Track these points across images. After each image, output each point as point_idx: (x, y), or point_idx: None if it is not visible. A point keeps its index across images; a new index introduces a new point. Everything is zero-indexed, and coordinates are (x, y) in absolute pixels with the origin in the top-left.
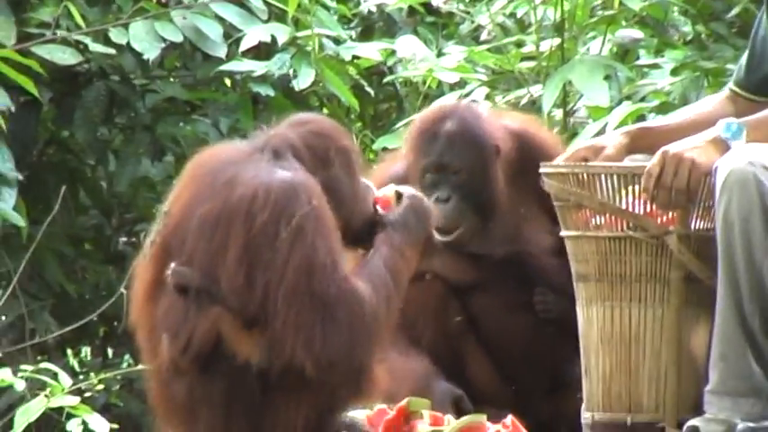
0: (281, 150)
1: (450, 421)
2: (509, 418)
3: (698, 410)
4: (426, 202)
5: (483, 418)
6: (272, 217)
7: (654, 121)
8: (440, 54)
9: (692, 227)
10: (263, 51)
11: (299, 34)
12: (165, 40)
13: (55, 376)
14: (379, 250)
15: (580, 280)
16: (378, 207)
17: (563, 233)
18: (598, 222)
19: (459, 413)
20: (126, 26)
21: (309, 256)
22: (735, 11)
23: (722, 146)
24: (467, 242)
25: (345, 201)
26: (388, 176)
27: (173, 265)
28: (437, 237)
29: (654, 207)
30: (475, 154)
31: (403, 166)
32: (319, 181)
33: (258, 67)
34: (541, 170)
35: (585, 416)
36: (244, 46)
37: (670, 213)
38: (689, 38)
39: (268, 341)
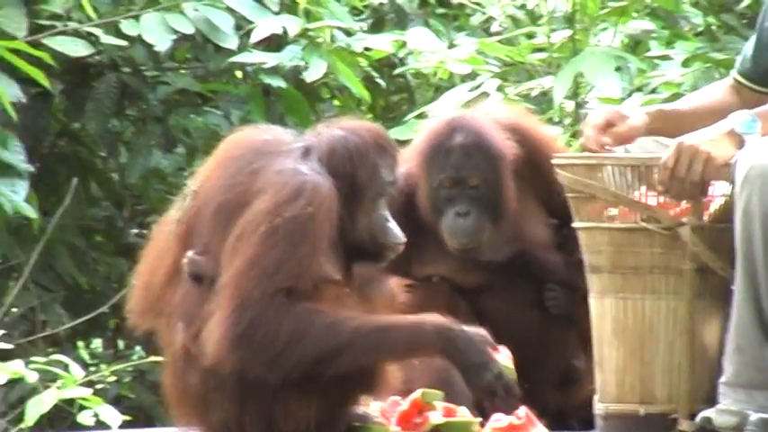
0: (311, 149)
1: (462, 413)
2: (522, 410)
3: (711, 402)
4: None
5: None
6: (264, 210)
7: (667, 105)
8: (451, 46)
9: (706, 219)
10: (275, 43)
11: (311, 26)
12: (176, 31)
13: (66, 368)
14: (379, 323)
15: (593, 271)
16: None
17: (575, 224)
18: (611, 214)
19: (480, 405)
20: (137, 18)
21: (260, 255)
22: (745, 2)
23: (737, 139)
24: (482, 251)
25: (349, 220)
26: None
27: (189, 253)
28: (453, 247)
29: (667, 198)
30: (491, 165)
31: (404, 177)
32: (338, 189)
33: (269, 59)
34: (554, 161)
35: (599, 407)
36: (255, 37)
37: (683, 204)
38: (700, 29)
39: None
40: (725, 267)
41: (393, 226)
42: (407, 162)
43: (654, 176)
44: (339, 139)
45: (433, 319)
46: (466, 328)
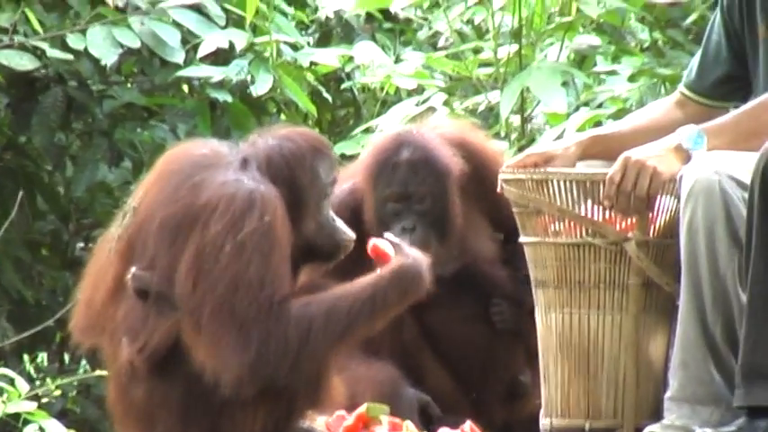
0: (249, 160)
1: (408, 428)
2: (467, 424)
3: (656, 417)
4: (424, 266)
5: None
6: (224, 229)
7: (605, 127)
8: (398, 60)
9: (651, 234)
10: (221, 57)
11: (257, 40)
12: (122, 45)
13: (12, 382)
14: (362, 289)
15: (539, 286)
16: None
17: (522, 239)
18: (557, 228)
19: (426, 419)
20: (84, 32)
21: (240, 273)
22: (691, 18)
23: (683, 154)
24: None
25: (297, 224)
26: (337, 202)
27: (133, 269)
28: None
29: (612, 213)
30: (437, 181)
31: (350, 191)
32: (281, 195)
33: (216, 73)
34: (500, 176)
35: (544, 422)
36: (202, 52)
37: (629, 220)
38: (646, 45)
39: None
40: (670, 282)
41: (341, 224)
42: (354, 177)
43: (600, 191)
44: (274, 147)
45: (398, 265)
46: (407, 252)
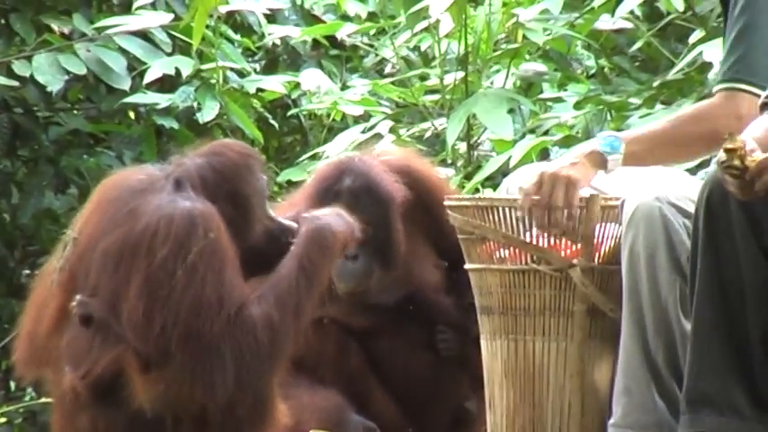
0: (182, 180)
1: None
2: None
3: None
4: (330, 218)
5: None
6: (170, 252)
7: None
8: (344, 87)
9: (596, 260)
10: (168, 84)
11: (204, 67)
12: (68, 72)
13: None
14: (287, 266)
15: (484, 313)
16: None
17: (467, 266)
18: (502, 255)
19: None
20: (29, 58)
21: (199, 295)
22: (637, 45)
23: (599, 159)
24: (371, 295)
25: (245, 232)
26: None
27: (78, 297)
28: (342, 291)
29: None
30: (380, 209)
31: (293, 219)
32: (219, 211)
33: (162, 100)
34: (445, 203)
35: None
36: (148, 78)
37: (573, 247)
38: (592, 72)
39: (166, 383)
40: (615, 309)
41: (282, 219)
42: (297, 205)
43: (545, 218)
44: (204, 165)
45: (304, 229)
46: (311, 216)
